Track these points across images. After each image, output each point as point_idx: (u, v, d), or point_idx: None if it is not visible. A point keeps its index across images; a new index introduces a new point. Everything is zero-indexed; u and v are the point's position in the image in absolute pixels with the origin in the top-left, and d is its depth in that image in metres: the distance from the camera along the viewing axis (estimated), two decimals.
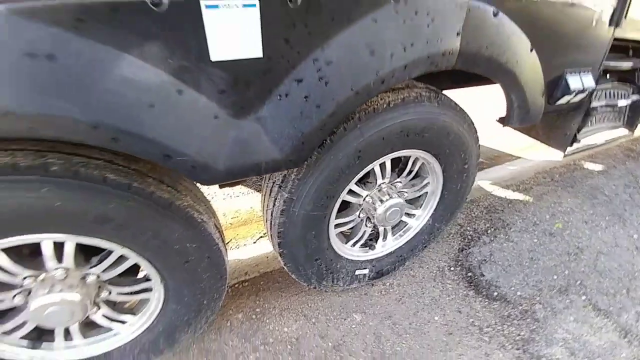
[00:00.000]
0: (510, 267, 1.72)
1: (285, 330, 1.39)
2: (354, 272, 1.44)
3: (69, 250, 0.89)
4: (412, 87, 1.14)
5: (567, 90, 1.31)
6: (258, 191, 2.20)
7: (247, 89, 0.80)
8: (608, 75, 1.84)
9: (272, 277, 1.61)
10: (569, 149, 1.70)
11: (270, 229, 1.22)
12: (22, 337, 1.01)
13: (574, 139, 1.66)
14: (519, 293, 1.59)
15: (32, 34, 0.61)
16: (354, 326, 1.42)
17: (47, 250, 0.87)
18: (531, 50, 1.12)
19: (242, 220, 2.01)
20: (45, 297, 0.90)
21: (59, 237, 0.84)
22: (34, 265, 0.91)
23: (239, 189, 2.25)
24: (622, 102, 1.78)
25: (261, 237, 1.87)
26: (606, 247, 1.90)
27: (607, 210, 2.21)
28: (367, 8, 0.84)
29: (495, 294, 1.58)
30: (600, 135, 1.92)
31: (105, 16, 0.64)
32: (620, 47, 1.76)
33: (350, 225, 1.37)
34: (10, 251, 0.86)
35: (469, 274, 1.67)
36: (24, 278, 0.91)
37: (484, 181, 2.45)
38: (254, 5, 0.73)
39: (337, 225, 1.31)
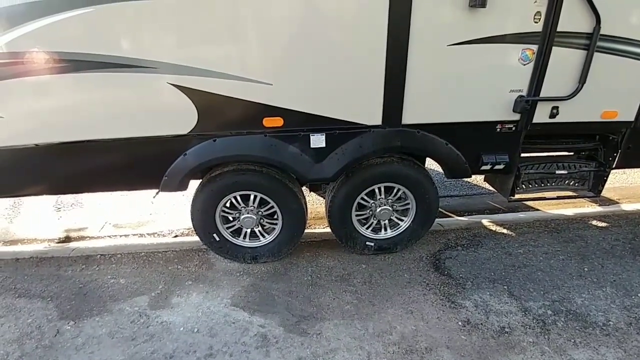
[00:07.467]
0: (464, 264, 2.82)
1: (327, 263, 2.90)
2: (365, 242, 2.86)
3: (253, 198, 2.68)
4: (390, 156, 2.58)
5: (482, 163, 2.51)
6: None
7: (320, 155, 2.44)
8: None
9: (327, 242, 3.15)
10: (512, 197, 2.75)
11: (326, 211, 2.79)
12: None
13: (513, 192, 2.72)
14: (461, 276, 2.69)
15: None
16: (361, 269, 2.82)
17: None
18: (447, 145, 2.44)
19: (318, 216, 3.65)
20: (246, 215, 2.69)
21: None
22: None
23: (316, 198, 3.92)
24: (561, 172, 2.71)
25: (326, 226, 3.45)
26: (550, 270, 2.74)
27: (576, 251, 2.95)
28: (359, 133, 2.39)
29: (446, 272, 2.73)
30: (555, 193, 2.86)
31: None
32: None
33: (365, 217, 2.82)
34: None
35: (436, 261, 2.86)
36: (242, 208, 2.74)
37: (487, 220, 3.45)
38: None
39: (357, 215, 2.79)
